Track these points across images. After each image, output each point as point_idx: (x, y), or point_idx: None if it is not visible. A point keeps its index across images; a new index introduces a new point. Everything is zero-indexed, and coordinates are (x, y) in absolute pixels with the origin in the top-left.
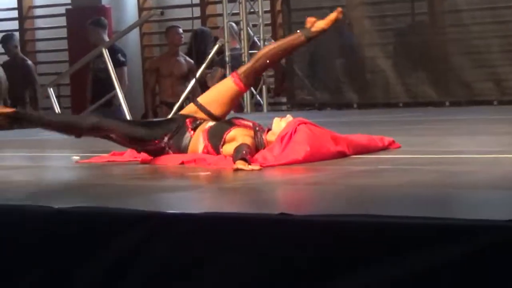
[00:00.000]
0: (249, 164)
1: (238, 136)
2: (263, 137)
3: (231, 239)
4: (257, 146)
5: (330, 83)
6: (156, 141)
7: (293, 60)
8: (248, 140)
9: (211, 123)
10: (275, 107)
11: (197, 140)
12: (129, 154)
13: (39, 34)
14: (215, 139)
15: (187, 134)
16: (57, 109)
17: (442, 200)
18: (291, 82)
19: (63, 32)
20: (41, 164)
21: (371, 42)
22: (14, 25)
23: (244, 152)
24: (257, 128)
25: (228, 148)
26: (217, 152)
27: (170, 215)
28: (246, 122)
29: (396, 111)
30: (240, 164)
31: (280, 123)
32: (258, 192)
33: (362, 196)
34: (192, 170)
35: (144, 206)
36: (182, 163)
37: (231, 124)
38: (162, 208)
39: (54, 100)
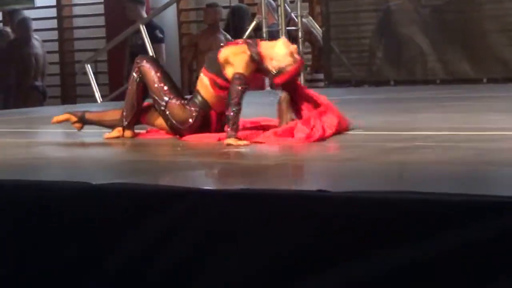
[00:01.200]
0: (239, 139)
1: (230, 56)
2: (258, 50)
3: (268, 216)
4: (253, 58)
5: (367, 60)
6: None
7: (330, 36)
8: (241, 58)
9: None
10: (313, 84)
11: (202, 81)
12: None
13: (77, 10)
14: (213, 67)
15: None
16: (94, 85)
17: (481, 177)
18: (328, 59)
19: (100, 9)
20: (76, 140)
21: (408, 19)
22: (52, 1)
23: (234, 127)
24: (250, 42)
25: (229, 71)
26: (224, 79)
27: (207, 191)
28: (237, 41)
29: (433, 88)
30: (230, 141)
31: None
32: (295, 169)
33: (399, 173)
34: (229, 146)
35: (181, 182)
36: (219, 139)
37: (221, 47)
38: (199, 185)
39: (92, 77)
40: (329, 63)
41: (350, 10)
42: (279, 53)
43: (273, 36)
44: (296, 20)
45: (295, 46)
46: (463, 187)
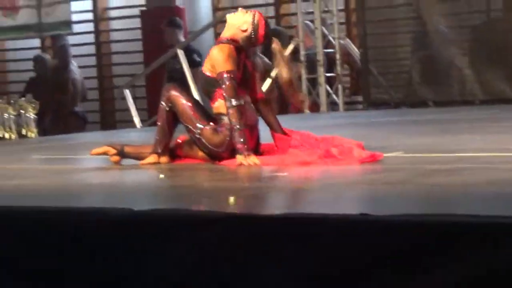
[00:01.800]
0: (247, 155)
1: (209, 63)
2: (225, 36)
3: (310, 240)
4: (225, 47)
5: (405, 82)
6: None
7: (368, 58)
8: (217, 55)
9: None
10: (351, 106)
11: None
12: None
13: (114, 35)
14: (211, 84)
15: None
16: (133, 110)
17: None
18: (366, 80)
19: (138, 34)
20: (115, 166)
21: (446, 39)
22: (90, 27)
23: (242, 142)
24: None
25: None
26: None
27: (247, 215)
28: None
29: (472, 109)
30: (240, 159)
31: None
32: (337, 192)
33: (441, 195)
34: (270, 171)
35: (220, 207)
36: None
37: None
38: (240, 209)
39: (130, 102)
40: (368, 85)
41: (388, 32)
42: (238, 19)
43: (311, 58)
44: (334, 42)
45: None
46: (504, 209)
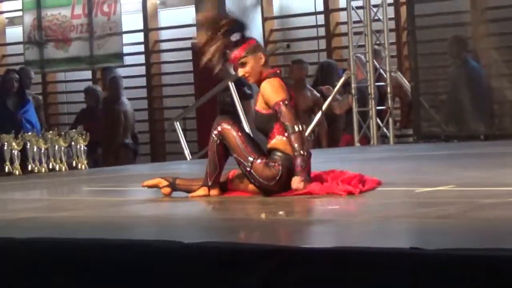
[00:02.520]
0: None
1: (262, 99)
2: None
3: (362, 274)
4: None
5: (456, 115)
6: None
7: (419, 91)
8: (269, 89)
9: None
10: (402, 139)
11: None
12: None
13: (165, 68)
14: (265, 121)
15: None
16: (183, 143)
17: None
18: (417, 113)
19: (189, 66)
20: (165, 199)
21: (498, 72)
22: (141, 59)
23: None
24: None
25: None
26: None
27: (298, 249)
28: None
29: None
30: (296, 183)
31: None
32: (387, 226)
33: (494, 230)
34: (320, 203)
35: (272, 241)
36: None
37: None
38: (289, 243)
39: (181, 134)
40: (418, 118)
41: (439, 65)
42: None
43: (362, 91)
44: (385, 75)
45: None
46: None
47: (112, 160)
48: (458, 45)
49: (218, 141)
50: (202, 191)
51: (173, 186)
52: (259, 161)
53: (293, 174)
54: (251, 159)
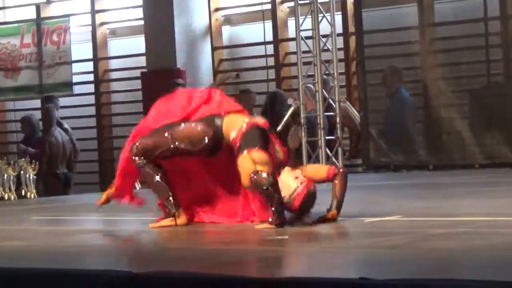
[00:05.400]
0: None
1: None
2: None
3: None
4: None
5: (405, 145)
6: None
7: (368, 121)
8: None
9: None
10: (351, 169)
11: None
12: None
13: (115, 97)
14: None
15: None
16: None
17: None
18: (366, 143)
19: (139, 95)
20: (116, 228)
21: (446, 103)
22: (90, 88)
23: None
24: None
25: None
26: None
27: (251, 279)
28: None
29: (472, 173)
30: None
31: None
32: (337, 256)
33: (442, 260)
34: (269, 234)
35: (220, 271)
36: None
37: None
38: (240, 273)
39: None
40: (367, 148)
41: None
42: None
43: (311, 121)
44: (334, 105)
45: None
46: (506, 274)
47: (39, 190)
48: (392, 76)
49: (144, 162)
50: (168, 221)
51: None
52: (181, 127)
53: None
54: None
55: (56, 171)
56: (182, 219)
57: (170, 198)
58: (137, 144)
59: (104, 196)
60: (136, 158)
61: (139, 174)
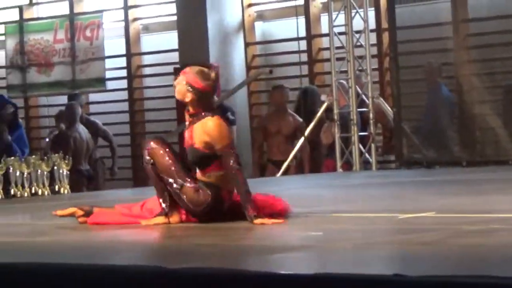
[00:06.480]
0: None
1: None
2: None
3: None
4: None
5: (438, 141)
6: None
7: (401, 118)
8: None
9: None
10: (384, 165)
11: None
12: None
13: (148, 92)
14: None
15: None
16: None
17: None
18: (399, 140)
19: (171, 91)
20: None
21: (480, 99)
22: (123, 84)
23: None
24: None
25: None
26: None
27: (280, 275)
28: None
29: (506, 169)
30: (262, 220)
31: None
32: (371, 253)
33: (475, 256)
34: (301, 230)
35: (254, 267)
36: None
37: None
38: (272, 269)
39: None
40: (400, 144)
41: (421, 91)
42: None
43: (344, 117)
44: (367, 101)
45: None
46: None
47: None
48: (431, 72)
49: (152, 162)
50: (162, 219)
51: (89, 215)
52: (189, 185)
53: (221, 205)
54: (180, 181)
55: (80, 167)
56: (175, 218)
57: (166, 193)
58: (154, 146)
59: (69, 211)
60: (147, 155)
61: (144, 170)
